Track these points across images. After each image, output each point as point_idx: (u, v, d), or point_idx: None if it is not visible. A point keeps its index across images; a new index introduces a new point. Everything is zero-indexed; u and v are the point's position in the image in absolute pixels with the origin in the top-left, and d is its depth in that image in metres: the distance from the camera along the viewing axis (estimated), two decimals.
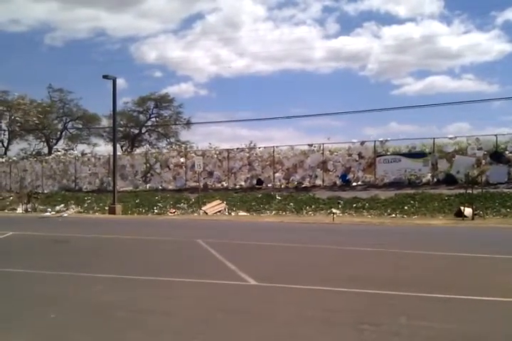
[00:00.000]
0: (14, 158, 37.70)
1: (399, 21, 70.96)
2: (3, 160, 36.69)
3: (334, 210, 20.78)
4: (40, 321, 4.98)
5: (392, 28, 65.18)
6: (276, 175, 27.21)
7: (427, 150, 24.56)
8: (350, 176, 25.61)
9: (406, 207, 20.66)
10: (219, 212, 23.09)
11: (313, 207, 22.43)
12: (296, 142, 29.64)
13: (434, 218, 18.48)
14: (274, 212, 22.41)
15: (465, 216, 17.34)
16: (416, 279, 6.89)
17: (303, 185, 26.30)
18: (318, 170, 26.31)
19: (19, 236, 13.32)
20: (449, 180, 22.96)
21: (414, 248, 10.08)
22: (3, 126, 44.42)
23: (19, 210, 26.98)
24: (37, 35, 70.18)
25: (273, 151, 27.72)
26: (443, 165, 23.73)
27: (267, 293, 6.20)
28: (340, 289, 6.20)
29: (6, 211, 26.99)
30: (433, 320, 4.81)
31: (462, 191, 19.60)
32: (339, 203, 22.11)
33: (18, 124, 43.43)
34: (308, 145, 27.44)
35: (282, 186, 26.78)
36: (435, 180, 23.75)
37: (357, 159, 25.63)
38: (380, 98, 59.83)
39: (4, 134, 44.37)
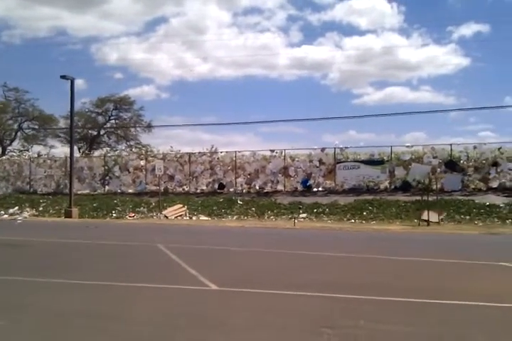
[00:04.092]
0: None
1: (360, 33, 72.67)
2: None
3: (302, 215, 21.04)
4: (3, 329, 4.76)
5: (354, 39, 66.61)
6: (238, 180, 27.23)
7: (385, 158, 25.23)
8: (311, 182, 25.96)
9: (365, 213, 21.10)
10: (180, 216, 22.84)
11: (274, 211, 22.55)
12: (257, 147, 29.91)
13: (391, 223, 18.95)
14: (235, 217, 22.38)
15: (429, 220, 17.76)
16: (375, 283, 7.04)
17: (265, 190, 26.44)
18: (280, 175, 26.52)
19: None
20: (406, 187, 23.67)
21: (374, 253, 10.29)
22: None
23: None
24: None
25: (235, 156, 27.74)
26: (400, 173, 24.45)
27: (227, 297, 6.17)
28: (300, 293, 6.26)
29: None
30: (391, 323, 4.93)
31: (418, 198, 20.22)
32: (300, 208, 22.34)
33: None
34: (270, 150, 27.64)
35: (244, 191, 26.81)
36: (392, 186, 24.41)
37: (318, 165, 26.01)
38: (341, 106, 61.06)
39: None
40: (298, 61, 63.28)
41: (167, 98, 66.22)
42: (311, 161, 26.38)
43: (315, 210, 22.04)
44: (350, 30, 65.47)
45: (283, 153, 27.00)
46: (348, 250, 10.87)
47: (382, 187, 24.60)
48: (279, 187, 26.40)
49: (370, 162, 25.00)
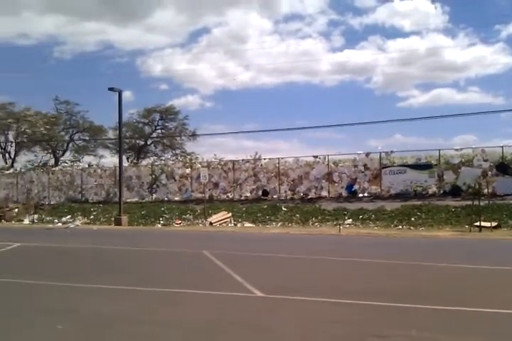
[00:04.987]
0: (21, 170, 37.91)
1: (404, 35, 71.27)
2: (10, 171, 36.90)
3: (347, 221, 20.79)
4: (49, 332, 4.98)
5: (397, 42, 65.41)
6: (282, 186, 27.22)
7: (433, 162, 24.50)
8: (356, 187, 25.56)
9: (413, 219, 20.54)
10: (225, 223, 23.06)
11: (319, 218, 22.36)
12: (300, 154, 29.73)
13: (440, 229, 18.35)
14: (280, 224, 22.36)
15: (481, 226, 17.18)
16: (426, 292, 6.84)
17: (308, 197, 26.26)
18: (324, 181, 26.29)
19: (26, 247, 13.35)
20: (455, 192, 22.85)
21: (423, 260, 10.01)
22: (11, 138, 44.80)
23: (26, 221, 27.05)
24: (45, 49, 71.05)
25: (278, 163, 27.77)
26: (449, 177, 23.64)
27: (272, 304, 6.17)
28: (347, 301, 6.16)
29: (13, 222, 27.07)
30: (440, 333, 4.77)
31: (469, 202, 19.49)
32: (345, 214, 22.04)
33: (25, 136, 43.77)
34: (314, 156, 27.47)
35: (288, 197, 26.74)
36: (441, 191, 23.63)
37: (362, 170, 25.59)
38: (386, 110, 59.90)
39: (11, 146, 44.72)
40: (340, 66, 62.85)
41: (211, 107, 67.38)
42: (355, 166, 26.01)
43: (360, 216, 21.67)
44: (393, 32, 64.39)
45: (326, 159, 26.76)
46: (395, 257, 10.62)
47: (430, 192, 23.86)
48: (323, 193, 26.16)
49: (417, 166, 24.34)
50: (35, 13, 68.49)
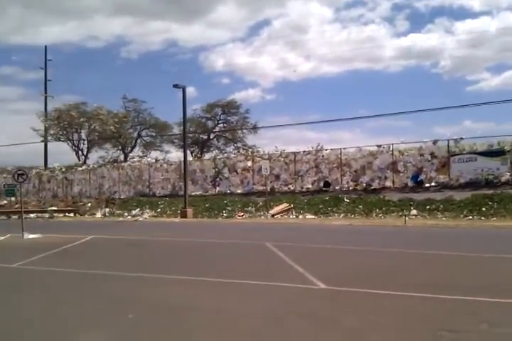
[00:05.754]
0: (93, 166, 40.01)
1: (473, 15, 67.43)
2: (83, 168, 39.01)
3: (413, 212, 20.18)
4: (120, 320, 5.26)
5: (466, 23, 62.06)
6: (344, 177, 26.79)
7: (506, 148, 23.07)
8: (422, 177, 24.65)
9: (484, 209, 19.52)
10: (286, 215, 23.11)
11: (383, 209, 21.81)
12: (363, 143, 28.94)
13: None
14: (342, 215, 22.07)
15: None
16: (499, 285, 6.51)
17: (372, 187, 25.66)
18: (388, 171, 25.57)
19: (99, 239, 14.12)
20: None
21: (496, 252, 9.50)
22: (83, 136, 47.30)
23: (98, 215, 28.57)
24: (113, 49, 74.32)
25: (340, 153, 27.32)
26: None
27: (336, 297, 6.13)
28: (414, 294, 6.00)
29: (86, 216, 28.68)
30: None
31: None
32: (411, 205, 21.35)
33: (97, 134, 46.03)
34: (377, 146, 26.77)
35: (350, 188, 26.29)
36: None
37: (429, 159, 24.62)
38: (454, 95, 57.06)
39: (84, 143, 47.19)
40: (405, 51, 60.61)
41: (272, 99, 67.43)
42: (421, 155, 25.05)
43: (427, 207, 20.89)
44: (461, 13, 61.28)
45: (391, 148, 25.99)
46: (465, 249, 10.17)
47: (503, 180, 22.52)
48: (388, 184, 25.46)
49: (489, 153, 23.03)
50: (104, 15, 71.83)
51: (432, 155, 24.62)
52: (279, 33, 65.78)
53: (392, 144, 26.12)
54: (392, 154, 25.72)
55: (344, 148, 27.86)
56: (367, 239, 13.28)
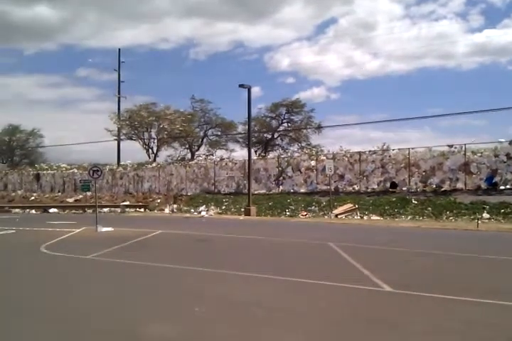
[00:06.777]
0: (162, 163, 41.56)
1: None
2: (153, 165, 40.63)
3: (485, 215, 19.19)
4: (186, 313, 5.47)
5: None
6: (412, 178, 25.93)
7: None
8: (497, 179, 23.32)
9: None
10: (350, 215, 22.76)
11: (454, 212, 20.90)
12: (433, 143, 27.92)
13: None
14: (409, 217, 21.38)
15: None
16: None
17: (442, 189, 24.62)
18: (460, 172, 24.43)
19: (167, 234, 14.68)
20: None
21: None
22: (153, 135, 49.24)
23: (166, 211, 29.69)
24: (183, 51, 76.73)
25: (408, 153, 26.46)
26: None
27: (401, 300, 6.00)
28: (480, 300, 5.75)
29: (155, 211, 29.88)
30: None
31: None
32: (484, 208, 20.28)
33: (166, 133, 47.75)
34: (448, 146, 25.64)
35: (418, 190, 25.39)
36: None
37: (505, 160, 23.24)
38: None
39: (154, 142, 49.11)
40: (479, 47, 57.82)
41: (337, 98, 66.75)
42: (496, 156, 23.71)
43: (502, 210, 19.75)
44: None
45: (463, 148, 24.81)
46: None
47: None
48: (459, 185, 24.32)
49: None
50: (174, 18, 74.32)
51: (508, 156, 23.24)
52: (346, 31, 65.06)
53: (465, 144, 24.93)
54: (465, 155, 24.55)
55: (412, 148, 26.97)
56: (436, 242, 12.80)
